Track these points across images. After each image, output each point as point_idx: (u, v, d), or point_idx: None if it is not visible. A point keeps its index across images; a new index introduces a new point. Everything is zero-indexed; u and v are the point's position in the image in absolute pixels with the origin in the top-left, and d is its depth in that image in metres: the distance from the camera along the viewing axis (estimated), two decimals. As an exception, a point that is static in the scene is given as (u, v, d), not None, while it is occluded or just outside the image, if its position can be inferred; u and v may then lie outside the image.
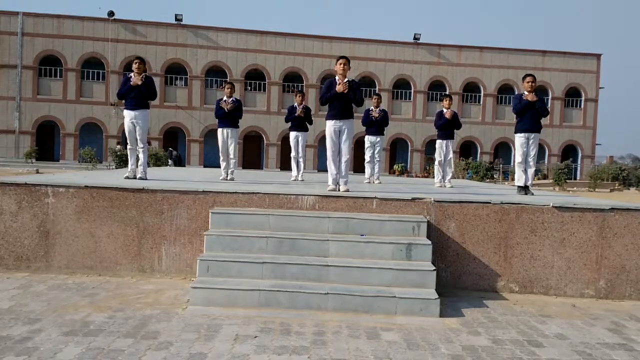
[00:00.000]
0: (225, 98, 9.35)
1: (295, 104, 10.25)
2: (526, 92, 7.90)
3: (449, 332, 4.87)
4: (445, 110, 9.92)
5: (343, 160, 7.21)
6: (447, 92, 43.12)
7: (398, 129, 42.42)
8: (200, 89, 40.90)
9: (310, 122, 10.49)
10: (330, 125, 7.22)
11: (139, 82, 8.01)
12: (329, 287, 5.45)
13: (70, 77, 39.42)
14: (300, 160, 10.40)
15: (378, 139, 10.91)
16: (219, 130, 9.45)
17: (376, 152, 10.96)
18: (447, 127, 9.96)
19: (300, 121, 10.24)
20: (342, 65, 7.05)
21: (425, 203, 6.52)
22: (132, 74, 8.11)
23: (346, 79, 7.05)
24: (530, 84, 7.90)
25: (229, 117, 9.31)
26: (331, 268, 5.65)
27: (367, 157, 11.00)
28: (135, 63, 8.08)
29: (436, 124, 10.05)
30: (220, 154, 9.41)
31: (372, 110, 10.83)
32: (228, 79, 40.81)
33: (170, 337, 4.43)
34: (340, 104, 7.13)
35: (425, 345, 4.51)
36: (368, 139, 10.98)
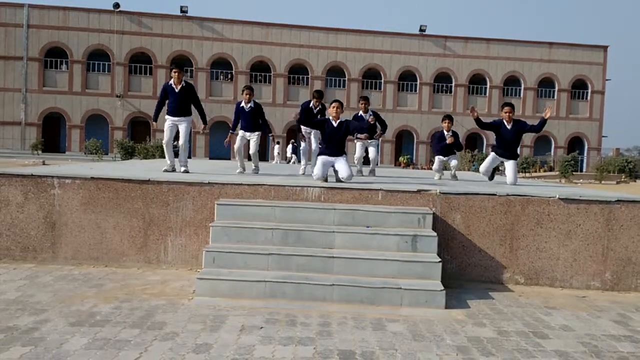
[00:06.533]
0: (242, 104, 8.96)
1: (311, 105, 9.37)
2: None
3: (454, 324, 4.88)
4: (446, 133, 9.91)
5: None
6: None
7: (404, 121, 42.35)
8: (205, 81, 40.83)
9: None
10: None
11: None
12: (335, 279, 5.46)
13: (76, 69, 39.49)
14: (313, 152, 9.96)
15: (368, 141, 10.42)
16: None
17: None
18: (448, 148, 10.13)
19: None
20: (335, 109, 7.46)
21: (431, 195, 6.51)
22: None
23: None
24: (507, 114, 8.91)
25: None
26: (337, 260, 5.65)
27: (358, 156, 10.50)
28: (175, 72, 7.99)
29: (435, 147, 10.25)
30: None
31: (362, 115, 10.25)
32: (234, 71, 40.84)
33: (176, 328, 4.45)
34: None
35: (430, 336, 4.52)
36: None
